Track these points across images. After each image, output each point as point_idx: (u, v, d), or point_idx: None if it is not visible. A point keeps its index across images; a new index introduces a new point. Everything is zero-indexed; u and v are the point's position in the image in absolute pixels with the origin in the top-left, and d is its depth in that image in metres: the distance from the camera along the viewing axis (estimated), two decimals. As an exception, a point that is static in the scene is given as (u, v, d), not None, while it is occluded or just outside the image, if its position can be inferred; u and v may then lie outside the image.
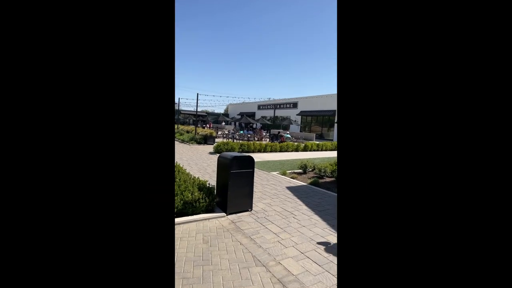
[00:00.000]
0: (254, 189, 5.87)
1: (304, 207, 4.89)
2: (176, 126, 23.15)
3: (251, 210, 4.53)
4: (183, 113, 35.91)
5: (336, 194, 5.86)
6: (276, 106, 32.85)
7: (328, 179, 7.26)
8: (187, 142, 15.47)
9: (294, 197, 5.43)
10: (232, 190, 4.26)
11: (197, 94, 17.20)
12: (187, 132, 17.77)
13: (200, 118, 33.56)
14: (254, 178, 6.68)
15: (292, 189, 6.11)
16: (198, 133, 16.16)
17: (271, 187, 6.24)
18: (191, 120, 35.62)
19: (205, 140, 15.28)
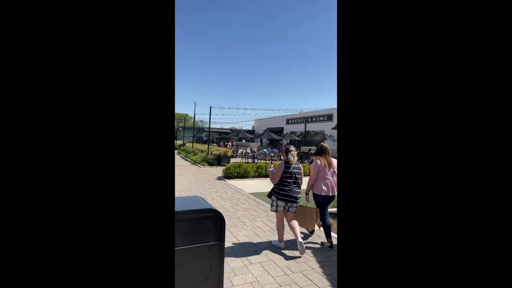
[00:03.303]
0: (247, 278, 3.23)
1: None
2: (191, 145, 20.76)
3: None
4: (206, 131, 34.74)
5: None
6: (307, 119, 29.79)
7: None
8: (198, 163, 13.26)
9: None
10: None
11: (210, 107, 15.22)
12: (202, 151, 15.66)
13: (223, 136, 31.78)
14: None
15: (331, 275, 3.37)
16: (211, 152, 13.90)
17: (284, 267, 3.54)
18: (215, 138, 33.51)
19: (219, 160, 12.96)
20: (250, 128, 43.93)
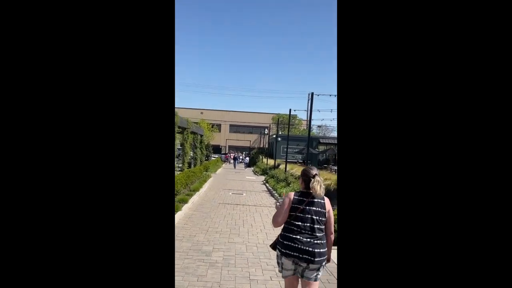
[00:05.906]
0: None
1: None
2: (287, 167, 13.17)
3: None
4: (322, 142, 24.24)
5: None
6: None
7: None
8: (288, 202, 7.63)
9: None
10: None
11: (311, 93, 9.43)
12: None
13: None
14: None
15: None
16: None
17: None
18: (330, 155, 21.83)
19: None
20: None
